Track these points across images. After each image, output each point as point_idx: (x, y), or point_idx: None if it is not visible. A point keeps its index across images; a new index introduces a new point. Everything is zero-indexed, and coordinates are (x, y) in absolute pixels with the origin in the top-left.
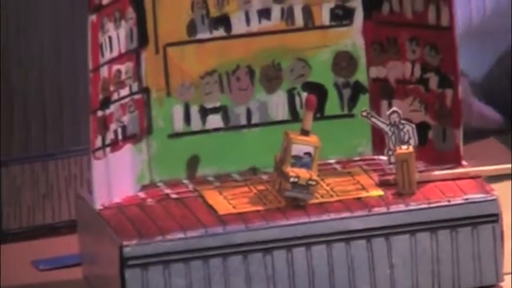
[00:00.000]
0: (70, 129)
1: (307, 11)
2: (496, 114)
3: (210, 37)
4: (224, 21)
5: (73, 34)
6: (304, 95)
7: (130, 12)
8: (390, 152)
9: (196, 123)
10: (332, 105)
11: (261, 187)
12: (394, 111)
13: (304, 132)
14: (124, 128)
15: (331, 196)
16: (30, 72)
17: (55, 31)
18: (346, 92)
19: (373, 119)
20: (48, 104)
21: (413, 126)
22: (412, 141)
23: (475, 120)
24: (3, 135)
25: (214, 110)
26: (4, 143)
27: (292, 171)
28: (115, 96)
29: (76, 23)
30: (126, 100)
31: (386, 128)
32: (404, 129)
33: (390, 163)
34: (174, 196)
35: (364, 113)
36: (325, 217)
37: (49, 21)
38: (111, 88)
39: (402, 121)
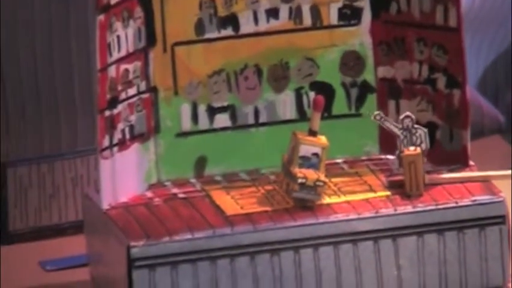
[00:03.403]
0: (81, 129)
1: (315, 11)
2: (496, 112)
3: (218, 36)
4: (232, 20)
5: (67, 34)
6: (312, 94)
7: (139, 12)
8: (401, 155)
9: (204, 123)
10: (339, 104)
11: (268, 187)
12: (407, 116)
13: (312, 133)
14: (131, 127)
15: (339, 197)
16: (29, 72)
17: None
18: (354, 92)
19: (386, 123)
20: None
21: (426, 131)
22: (423, 146)
23: (473, 115)
24: (9, 136)
25: (222, 109)
26: (10, 144)
27: (300, 172)
28: (123, 96)
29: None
30: (134, 99)
31: (398, 132)
32: (417, 134)
33: (400, 166)
34: (181, 196)
35: (378, 117)
36: (332, 218)
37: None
38: (119, 87)
39: (415, 126)
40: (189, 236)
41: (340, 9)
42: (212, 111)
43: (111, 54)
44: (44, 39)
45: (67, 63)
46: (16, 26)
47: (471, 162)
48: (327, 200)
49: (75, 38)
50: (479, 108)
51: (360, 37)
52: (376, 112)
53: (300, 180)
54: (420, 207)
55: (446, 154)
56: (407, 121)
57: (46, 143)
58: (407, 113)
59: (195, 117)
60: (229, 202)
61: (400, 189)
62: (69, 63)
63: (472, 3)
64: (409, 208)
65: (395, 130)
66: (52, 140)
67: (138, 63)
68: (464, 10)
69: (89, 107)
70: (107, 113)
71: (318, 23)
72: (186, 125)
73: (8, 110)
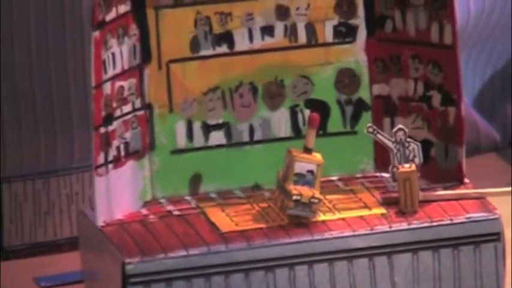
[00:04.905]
0: (76, 146)
1: (310, 28)
2: (492, 130)
3: (213, 54)
4: (227, 37)
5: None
6: (307, 112)
7: (134, 29)
8: (394, 170)
9: (198, 140)
10: (334, 122)
11: (263, 204)
12: (400, 129)
13: (307, 150)
14: (127, 144)
15: (334, 214)
16: (25, 88)
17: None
18: (349, 109)
19: (378, 136)
20: (55, 120)
21: (419, 144)
22: (416, 160)
23: (469, 133)
24: (5, 152)
25: (217, 127)
26: (6, 160)
27: (295, 189)
28: (118, 113)
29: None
30: (129, 116)
31: (391, 145)
32: (410, 148)
33: (394, 180)
34: (176, 213)
35: (370, 129)
36: (327, 235)
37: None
38: (114, 104)
39: (408, 139)
40: (184, 253)
41: (335, 27)
42: (207, 129)
43: (106, 71)
44: (40, 54)
45: (64, 79)
46: (12, 43)
47: (466, 180)
48: (321, 217)
49: (71, 53)
50: (475, 125)
51: (355, 55)
52: (369, 125)
53: (294, 197)
54: (415, 224)
55: (441, 171)
56: (400, 134)
57: (41, 159)
58: (400, 126)
59: (190, 135)
60: (224, 219)
61: (395, 206)
62: (66, 80)
63: (467, 20)
64: (404, 225)
65: (388, 143)
66: (47, 156)
67: (133, 80)
68: (460, 27)
69: (85, 123)
70: (102, 129)
71: (313, 41)
72: (181, 142)
73: (3, 125)
